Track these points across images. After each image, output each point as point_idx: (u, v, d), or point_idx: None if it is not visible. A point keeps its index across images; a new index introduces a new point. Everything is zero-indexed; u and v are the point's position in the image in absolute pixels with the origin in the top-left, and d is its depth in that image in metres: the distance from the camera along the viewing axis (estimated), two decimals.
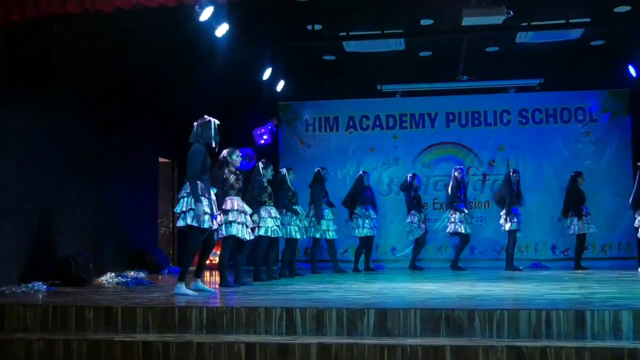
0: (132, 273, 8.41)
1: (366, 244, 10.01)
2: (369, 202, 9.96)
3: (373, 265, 10.32)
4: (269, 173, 8.11)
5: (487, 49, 10.54)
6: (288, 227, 8.59)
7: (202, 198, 6.14)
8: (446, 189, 10.43)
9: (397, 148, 11.60)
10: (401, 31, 9.49)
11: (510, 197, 9.86)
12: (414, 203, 10.17)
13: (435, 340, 4.54)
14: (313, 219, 9.33)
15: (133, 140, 9.81)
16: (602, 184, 10.89)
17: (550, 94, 11.31)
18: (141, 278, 8.13)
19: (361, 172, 10.21)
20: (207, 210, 6.19)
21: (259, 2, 7.79)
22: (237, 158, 7.15)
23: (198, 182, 6.15)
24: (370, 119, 11.70)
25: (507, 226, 9.86)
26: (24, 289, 6.70)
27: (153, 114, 10.01)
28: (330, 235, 9.55)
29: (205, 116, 6.41)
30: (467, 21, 7.70)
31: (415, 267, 10.24)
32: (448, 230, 10.21)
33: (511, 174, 10.00)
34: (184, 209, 6.18)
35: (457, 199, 10.08)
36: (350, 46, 10.06)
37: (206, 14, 7.41)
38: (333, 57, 10.86)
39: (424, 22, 9.19)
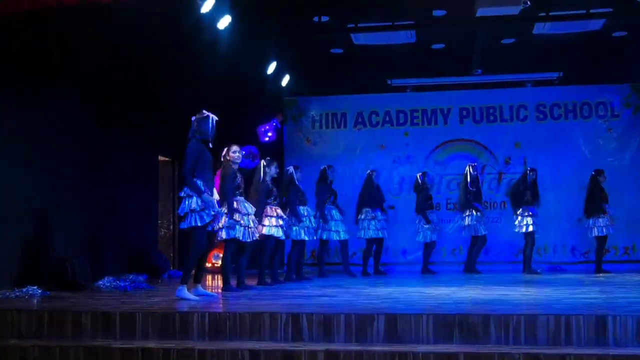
0: (130, 277, 8.43)
1: (376, 246, 10.01)
2: (377, 203, 9.96)
3: (383, 269, 10.32)
4: (274, 171, 8.11)
5: (503, 41, 10.51)
6: (295, 228, 8.58)
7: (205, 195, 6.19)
8: (460, 188, 10.42)
9: (408, 145, 11.59)
10: (412, 23, 9.48)
11: (526, 197, 9.83)
12: (425, 203, 10.16)
13: (449, 347, 4.54)
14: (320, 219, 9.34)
15: (132, 138, 9.83)
16: (624, 183, 10.84)
17: (570, 88, 11.28)
18: (140, 282, 8.15)
19: (369, 170, 10.18)
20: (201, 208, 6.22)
21: None
22: (234, 154, 7.14)
23: (193, 179, 6.18)
24: (379, 115, 11.69)
25: (524, 228, 9.84)
26: (18, 294, 6.73)
27: (152, 110, 10.03)
28: (342, 236, 9.55)
29: (204, 111, 6.42)
30: (481, 12, 7.70)
31: (428, 270, 10.23)
32: (464, 231, 10.21)
33: (528, 172, 9.98)
34: (186, 209, 6.21)
35: (474, 198, 10.06)
36: (358, 39, 10.05)
37: (207, 5, 7.42)
38: (341, 51, 10.86)
39: (437, 13, 9.17)
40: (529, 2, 7.59)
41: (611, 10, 9.06)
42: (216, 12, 7.76)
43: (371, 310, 5.06)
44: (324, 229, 9.41)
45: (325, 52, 10.93)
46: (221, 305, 5.88)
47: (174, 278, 9.47)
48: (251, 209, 7.30)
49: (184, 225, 6.28)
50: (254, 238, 7.33)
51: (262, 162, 8.07)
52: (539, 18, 9.24)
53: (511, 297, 6.28)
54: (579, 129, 11.23)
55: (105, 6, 6.34)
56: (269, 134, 11.50)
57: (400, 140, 11.62)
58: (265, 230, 7.83)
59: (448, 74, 11.19)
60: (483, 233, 10.08)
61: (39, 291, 6.91)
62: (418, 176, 10.30)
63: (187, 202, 6.21)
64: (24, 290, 6.83)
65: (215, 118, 6.44)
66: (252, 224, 7.23)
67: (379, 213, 9.95)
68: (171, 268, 10.71)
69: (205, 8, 7.42)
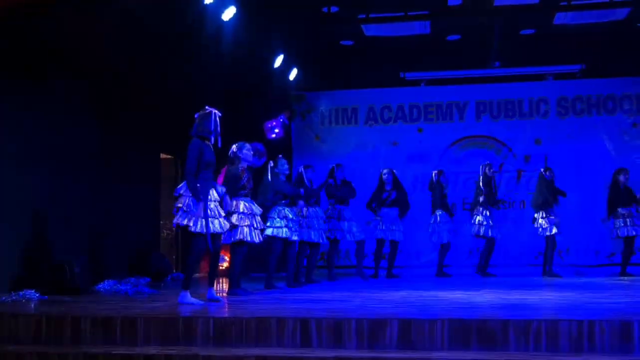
0: (132, 280, 8.47)
1: (391, 248, 10.04)
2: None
3: (395, 272, 10.32)
4: (285, 168, 8.15)
5: (522, 32, 10.48)
6: (306, 229, 8.60)
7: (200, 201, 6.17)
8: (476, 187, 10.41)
9: (422, 142, 11.57)
10: (427, 13, 9.47)
11: (544, 198, 9.81)
12: (440, 203, 10.15)
13: (465, 355, 4.53)
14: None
15: (132, 135, 9.86)
16: None
17: (593, 82, 11.23)
18: (142, 285, 8.18)
19: (386, 169, 10.15)
20: (203, 212, 6.19)
21: None
22: (247, 152, 7.16)
23: (193, 178, 6.16)
24: (392, 110, 11.69)
25: (547, 230, 9.81)
26: (14, 298, 6.76)
27: (154, 106, 10.06)
28: (356, 236, 9.56)
29: (207, 107, 6.42)
30: (499, 0, 7.67)
31: (443, 273, 10.22)
32: (475, 232, 10.22)
33: (543, 172, 9.94)
34: (184, 208, 6.20)
35: (486, 199, 10.04)
36: (370, 30, 10.06)
37: None
38: (351, 42, 10.87)
39: (452, 2, 9.15)
40: None
41: None
42: (220, 3, 7.77)
43: (384, 315, 5.05)
44: (334, 230, 9.42)
45: (335, 44, 10.94)
46: (226, 310, 5.89)
47: (177, 281, 9.50)
48: (257, 209, 7.28)
49: (174, 222, 6.28)
50: (261, 240, 7.33)
51: (271, 163, 8.10)
52: (560, 7, 9.22)
53: (531, 301, 6.26)
54: (603, 125, 11.19)
55: None
56: (276, 130, 11.50)
57: (413, 137, 11.61)
58: (269, 232, 7.86)
59: (464, 67, 11.17)
60: (490, 235, 10.05)
61: (37, 295, 6.94)
62: (433, 174, 10.27)
63: (183, 200, 6.22)
64: (21, 294, 6.86)
65: (219, 114, 6.43)
66: (257, 225, 7.23)
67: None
68: (174, 271, 10.74)
69: None
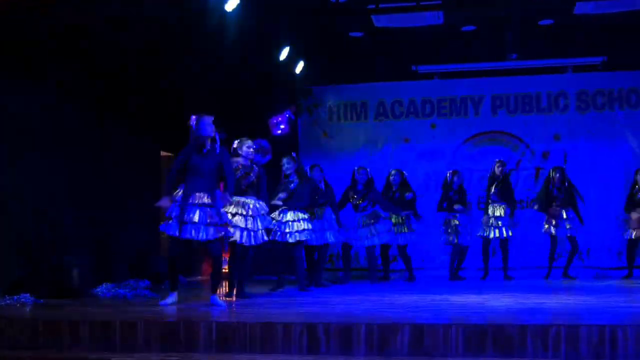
0: (131, 283, 8.49)
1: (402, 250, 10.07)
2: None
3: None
4: (285, 168, 8.21)
5: (540, 22, 10.45)
6: (318, 231, 8.64)
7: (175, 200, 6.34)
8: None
9: (435, 138, 11.55)
10: (439, 2, 9.44)
11: (560, 200, 9.81)
12: (452, 204, 10.15)
13: None
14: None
15: (132, 132, 9.89)
16: None
17: (615, 74, 11.17)
18: (142, 289, 8.21)
19: (394, 170, 10.16)
20: (178, 214, 6.29)
21: None
22: (247, 149, 7.18)
23: (167, 175, 6.33)
24: (403, 105, 11.67)
25: (567, 231, 9.83)
26: (9, 302, 6.81)
27: (154, 101, 10.08)
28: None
29: (192, 116, 6.55)
30: None
31: (456, 277, 10.21)
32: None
33: (552, 173, 9.92)
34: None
35: (494, 196, 10.06)
36: (380, 20, 10.04)
37: None
38: (361, 34, 10.85)
39: None
40: None
41: None
42: None
43: (395, 320, 5.06)
44: (345, 232, 9.47)
45: (343, 35, 10.93)
46: (230, 315, 5.91)
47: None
48: (257, 210, 7.26)
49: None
50: (258, 242, 7.28)
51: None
52: None
53: (549, 305, 6.26)
54: (626, 120, 11.12)
55: None
56: (282, 126, 11.50)
57: (426, 133, 11.58)
58: (293, 238, 8.03)
59: (479, 59, 11.14)
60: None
61: (32, 299, 6.98)
62: (448, 175, 10.24)
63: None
64: (16, 298, 6.90)
65: (210, 118, 6.50)
66: (255, 226, 7.18)
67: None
68: None
69: None
